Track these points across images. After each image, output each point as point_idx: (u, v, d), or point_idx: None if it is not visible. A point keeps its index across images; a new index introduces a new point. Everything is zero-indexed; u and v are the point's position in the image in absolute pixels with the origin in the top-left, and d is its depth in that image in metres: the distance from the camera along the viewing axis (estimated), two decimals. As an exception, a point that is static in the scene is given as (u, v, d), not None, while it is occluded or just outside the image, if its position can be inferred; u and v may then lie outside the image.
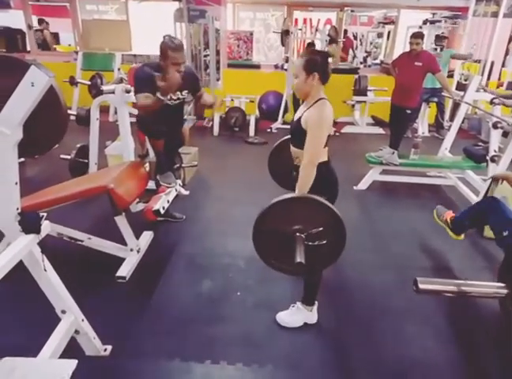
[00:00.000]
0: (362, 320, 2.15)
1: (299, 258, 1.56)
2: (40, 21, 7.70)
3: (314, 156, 1.77)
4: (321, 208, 1.65)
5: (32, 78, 1.32)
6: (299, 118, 1.84)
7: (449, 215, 2.59)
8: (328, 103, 1.81)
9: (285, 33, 5.94)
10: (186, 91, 2.63)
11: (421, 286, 1.01)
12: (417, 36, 3.84)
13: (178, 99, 2.63)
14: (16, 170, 1.48)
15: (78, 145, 3.59)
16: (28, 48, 7.38)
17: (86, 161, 3.46)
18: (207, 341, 1.95)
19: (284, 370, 1.81)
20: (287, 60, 6.42)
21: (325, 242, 1.66)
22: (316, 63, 1.78)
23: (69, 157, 3.51)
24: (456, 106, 5.51)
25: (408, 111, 3.94)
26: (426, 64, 3.83)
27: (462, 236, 2.53)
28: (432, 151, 4.30)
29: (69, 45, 8.12)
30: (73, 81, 5.14)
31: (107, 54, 6.16)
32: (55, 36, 8.30)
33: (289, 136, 2.01)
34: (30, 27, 7.16)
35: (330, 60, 1.80)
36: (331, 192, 1.94)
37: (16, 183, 1.49)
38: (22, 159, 2.80)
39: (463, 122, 4.96)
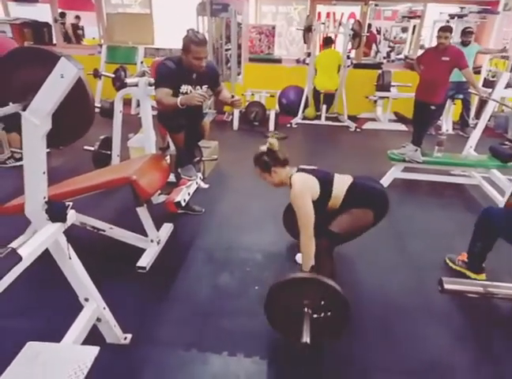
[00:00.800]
0: (378, 319, 2.13)
1: (306, 338, 1.63)
2: (62, 15, 7.83)
3: (307, 230, 1.92)
4: (324, 286, 1.72)
5: (62, 70, 1.34)
6: None
7: (464, 256, 2.49)
8: (296, 176, 2.04)
9: (308, 30, 5.87)
10: (206, 86, 2.64)
11: (446, 286, 0.99)
12: (446, 30, 3.75)
13: (198, 93, 2.65)
14: (44, 159, 1.52)
15: (101, 137, 3.66)
16: (54, 41, 7.54)
17: (109, 153, 3.52)
18: (224, 333, 1.97)
19: (300, 366, 1.82)
20: (309, 54, 6.36)
21: (329, 313, 1.74)
22: (266, 163, 2.08)
23: (92, 148, 3.58)
24: (482, 103, 5.35)
25: (433, 107, 3.86)
26: (453, 59, 3.74)
27: (484, 275, 2.40)
28: (456, 149, 4.20)
29: (94, 38, 8.25)
30: (96, 74, 5.23)
31: (131, 47, 6.23)
32: (82, 30, 8.46)
33: None
34: (56, 20, 7.30)
35: (276, 147, 2.08)
36: (375, 205, 2.08)
37: (44, 173, 1.53)
38: (48, 150, 2.85)
39: (489, 120, 4.82)
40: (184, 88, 2.54)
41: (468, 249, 2.44)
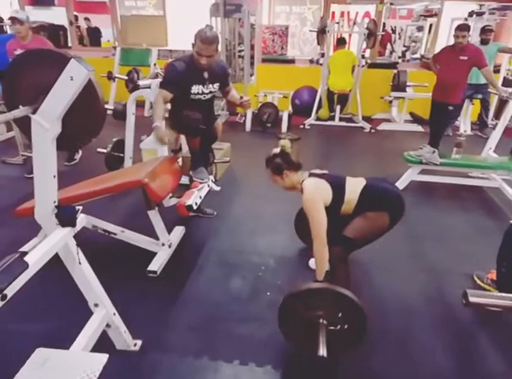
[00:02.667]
0: (395, 330, 2.04)
1: (322, 351, 1.58)
2: (74, 18, 7.92)
3: (320, 237, 1.86)
4: (339, 297, 1.66)
5: (72, 72, 1.32)
6: None
7: (493, 274, 2.31)
8: (308, 181, 2.00)
9: (321, 32, 5.79)
10: (217, 84, 2.61)
11: (472, 299, 0.92)
12: (463, 29, 3.64)
13: (211, 92, 2.62)
14: (55, 163, 1.50)
15: (114, 139, 3.66)
16: (70, 44, 7.62)
17: (122, 155, 3.51)
18: (236, 340, 1.92)
19: (314, 377, 1.76)
20: (322, 55, 6.28)
21: (346, 326, 1.68)
22: (279, 165, 2.03)
23: (105, 151, 3.58)
24: (502, 103, 5.19)
25: (451, 108, 3.76)
26: (472, 58, 3.63)
27: None
28: (475, 150, 4.08)
29: (108, 41, 8.32)
30: (110, 76, 5.26)
31: (144, 49, 6.24)
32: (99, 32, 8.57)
33: None
34: (71, 23, 7.37)
35: (289, 150, 2.04)
36: (390, 207, 2.01)
37: (54, 176, 1.51)
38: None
39: (509, 121, 4.66)
40: (195, 88, 2.51)
41: (497, 268, 2.25)
